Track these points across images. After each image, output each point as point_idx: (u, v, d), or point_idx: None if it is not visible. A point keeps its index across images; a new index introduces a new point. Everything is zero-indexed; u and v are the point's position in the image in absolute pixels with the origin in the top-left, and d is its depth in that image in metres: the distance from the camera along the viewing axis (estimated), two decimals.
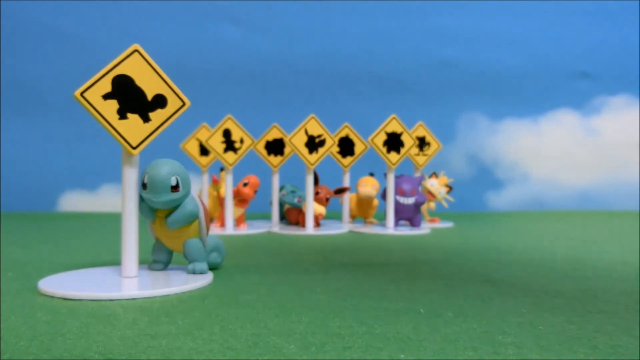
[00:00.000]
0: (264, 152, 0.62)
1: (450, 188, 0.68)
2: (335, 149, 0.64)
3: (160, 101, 0.27)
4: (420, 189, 0.61)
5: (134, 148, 0.27)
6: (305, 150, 0.56)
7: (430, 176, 0.67)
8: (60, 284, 0.27)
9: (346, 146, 0.64)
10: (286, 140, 0.61)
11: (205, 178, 0.68)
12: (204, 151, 0.66)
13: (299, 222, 0.61)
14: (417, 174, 0.67)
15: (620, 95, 1.01)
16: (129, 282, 0.27)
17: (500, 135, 1.01)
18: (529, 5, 0.99)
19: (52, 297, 0.25)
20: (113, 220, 0.72)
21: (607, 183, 1.01)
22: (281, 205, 0.64)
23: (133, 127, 0.27)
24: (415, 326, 0.20)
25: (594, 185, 1.02)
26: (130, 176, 0.28)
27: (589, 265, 0.36)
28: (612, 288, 0.28)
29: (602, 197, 1.01)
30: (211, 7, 0.93)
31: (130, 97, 0.27)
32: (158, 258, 0.31)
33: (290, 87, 0.95)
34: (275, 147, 0.62)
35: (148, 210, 0.29)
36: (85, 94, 0.26)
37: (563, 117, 1.02)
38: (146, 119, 0.27)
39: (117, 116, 0.27)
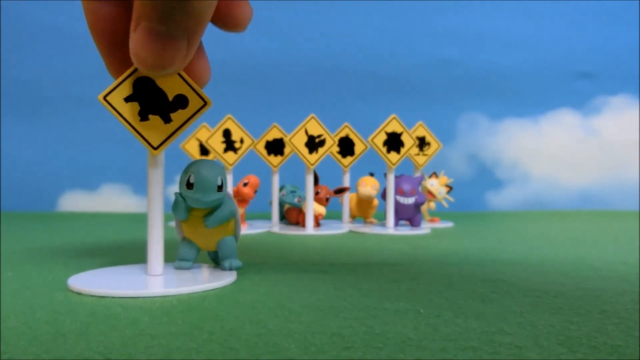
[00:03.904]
0: (264, 152, 0.62)
1: (450, 188, 0.68)
2: (335, 149, 0.64)
3: (181, 101, 0.28)
4: (420, 189, 0.61)
5: (155, 149, 0.27)
6: (305, 150, 0.55)
7: (430, 176, 0.67)
8: (89, 282, 0.27)
9: (346, 146, 0.64)
10: (286, 140, 0.61)
11: None
12: (204, 151, 0.66)
13: (299, 222, 0.61)
14: (417, 174, 0.67)
15: (620, 95, 1.01)
16: (156, 280, 0.28)
17: (500, 135, 1.01)
18: (529, 5, 0.99)
19: (82, 294, 0.26)
20: (113, 220, 0.72)
21: (607, 183, 1.01)
22: (281, 205, 0.64)
23: (154, 128, 0.27)
24: (415, 326, 0.20)
25: (594, 185, 1.02)
26: (156, 176, 0.28)
27: (589, 265, 0.36)
28: (612, 288, 0.28)
29: (602, 197, 1.01)
30: None
31: (151, 99, 0.27)
32: (186, 256, 0.31)
33: (290, 87, 0.95)
34: (275, 147, 0.62)
35: (184, 209, 0.29)
36: (108, 98, 0.27)
37: (563, 117, 1.02)
38: (167, 120, 0.27)
39: (139, 118, 0.27)
